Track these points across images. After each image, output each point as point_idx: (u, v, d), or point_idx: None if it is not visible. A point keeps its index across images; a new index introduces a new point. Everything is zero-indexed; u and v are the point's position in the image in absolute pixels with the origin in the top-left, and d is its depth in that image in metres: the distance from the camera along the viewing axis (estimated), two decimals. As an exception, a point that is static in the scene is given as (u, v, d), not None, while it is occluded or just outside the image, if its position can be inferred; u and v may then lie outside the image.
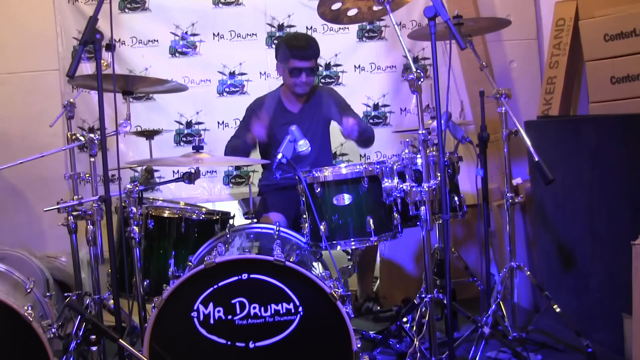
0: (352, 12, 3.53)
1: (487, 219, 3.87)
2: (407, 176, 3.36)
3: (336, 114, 4.31)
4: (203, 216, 3.76)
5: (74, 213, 3.42)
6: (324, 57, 4.96)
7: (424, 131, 2.99)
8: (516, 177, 4.73)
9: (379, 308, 4.22)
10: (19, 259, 4.09)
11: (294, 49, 4.13)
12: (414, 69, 2.95)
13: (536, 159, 3.40)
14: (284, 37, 4.46)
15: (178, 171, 4.75)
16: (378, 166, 3.33)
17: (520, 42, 5.22)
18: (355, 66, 5.05)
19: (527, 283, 4.44)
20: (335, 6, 3.46)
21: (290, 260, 2.94)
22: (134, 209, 3.20)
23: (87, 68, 4.72)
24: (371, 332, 3.95)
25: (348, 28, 4.99)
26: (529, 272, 3.76)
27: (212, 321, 2.92)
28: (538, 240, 4.43)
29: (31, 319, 2.82)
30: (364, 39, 5.05)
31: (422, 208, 3.01)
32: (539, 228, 4.37)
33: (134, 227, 3.21)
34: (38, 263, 4.17)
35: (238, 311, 2.93)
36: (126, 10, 4.80)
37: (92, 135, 3.39)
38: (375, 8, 3.45)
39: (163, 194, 4.80)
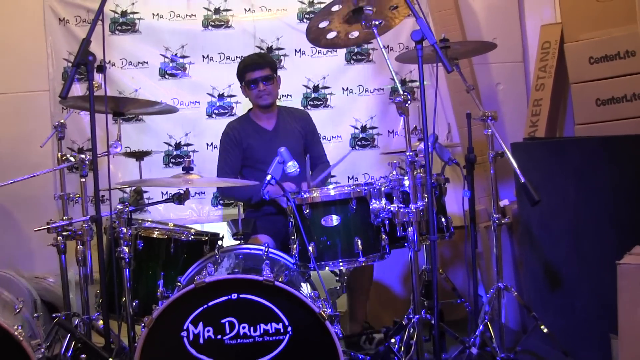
0: (331, 35, 3.53)
1: (474, 240, 3.89)
2: (394, 197, 3.37)
3: (309, 141, 4.50)
4: (192, 237, 3.76)
5: (64, 233, 3.44)
6: (312, 79, 5.02)
7: (411, 153, 3.01)
8: (503, 198, 4.76)
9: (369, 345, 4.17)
10: (7, 279, 4.07)
11: (245, 63, 4.32)
12: (401, 92, 2.97)
13: (522, 180, 3.43)
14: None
15: (167, 192, 4.77)
16: (366, 187, 3.33)
17: (507, 65, 5.27)
18: (343, 88, 5.09)
19: (514, 304, 4.46)
20: (323, 25, 3.47)
21: (280, 280, 2.95)
22: (124, 230, 3.21)
23: (77, 89, 4.74)
24: (359, 354, 3.94)
25: (336, 51, 5.04)
26: (516, 293, 3.78)
27: (201, 341, 2.92)
28: (525, 261, 4.45)
29: (21, 338, 2.82)
30: (352, 61, 5.10)
31: (410, 229, 3.02)
32: (525, 249, 4.40)
33: (124, 248, 3.21)
34: (26, 283, 4.16)
35: (227, 331, 2.93)
36: (116, 32, 4.82)
37: (82, 156, 3.42)
38: (363, 31, 3.47)
39: (152, 215, 4.79)
